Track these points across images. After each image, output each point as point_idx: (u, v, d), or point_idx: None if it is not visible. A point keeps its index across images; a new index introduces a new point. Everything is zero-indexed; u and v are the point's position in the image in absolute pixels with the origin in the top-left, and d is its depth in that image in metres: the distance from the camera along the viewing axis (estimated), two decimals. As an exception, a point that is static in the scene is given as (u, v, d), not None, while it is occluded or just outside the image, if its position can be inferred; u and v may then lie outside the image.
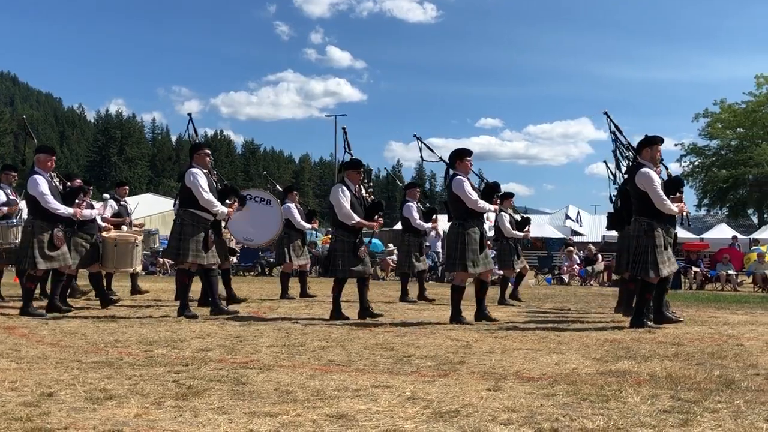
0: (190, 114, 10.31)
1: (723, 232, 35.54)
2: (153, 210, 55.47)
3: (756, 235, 35.20)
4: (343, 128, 10.64)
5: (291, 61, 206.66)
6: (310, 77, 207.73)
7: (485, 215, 10.54)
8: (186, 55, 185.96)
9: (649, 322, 8.48)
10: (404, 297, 13.04)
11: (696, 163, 57.47)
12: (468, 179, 9.13)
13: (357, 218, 9.33)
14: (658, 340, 7.38)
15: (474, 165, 9.38)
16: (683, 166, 57.69)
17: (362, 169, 9.76)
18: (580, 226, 43.16)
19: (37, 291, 10.78)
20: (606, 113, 9.77)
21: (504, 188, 13.58)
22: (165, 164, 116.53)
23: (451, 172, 9.19)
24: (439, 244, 25.10)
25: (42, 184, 9.25)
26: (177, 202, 9.83)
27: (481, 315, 9.22)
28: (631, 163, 9.21)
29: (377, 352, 6.33)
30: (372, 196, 10.00)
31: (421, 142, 10.16)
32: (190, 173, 9.34)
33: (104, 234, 11.01)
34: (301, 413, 3.94)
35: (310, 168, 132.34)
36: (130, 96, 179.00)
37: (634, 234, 8.59)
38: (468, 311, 9.20)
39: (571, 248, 27.08)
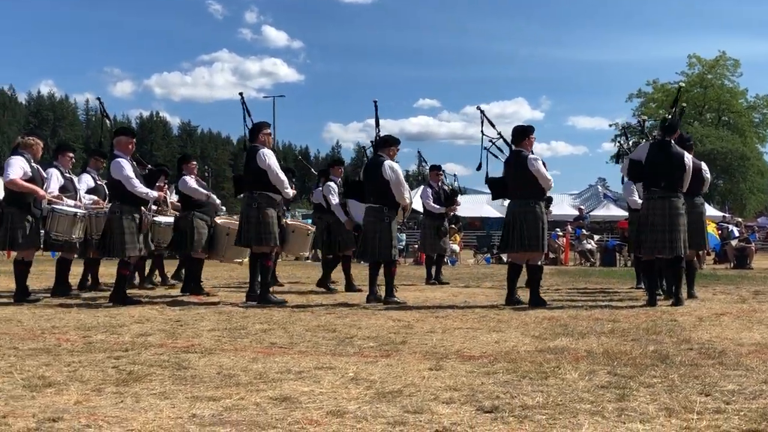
0: (241, 93, 9.69)
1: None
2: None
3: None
4: (374, 102, 10.15)
5: (225, 40, 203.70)
6: (246, 57, 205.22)
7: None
8: (117, 34, 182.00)
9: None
10: (430, 279, 13.09)
11: (630, 143, 58.44)
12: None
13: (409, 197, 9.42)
14: (595, 317, 7.53)
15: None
16: (618, 146, 58.66)
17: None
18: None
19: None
20: (680, 87, 9.81)
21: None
22: (100, 147, 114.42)
23: (514, 148, 9.04)
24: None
25: (127, 168, 8.87)
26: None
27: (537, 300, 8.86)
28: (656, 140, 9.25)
29: (319, 334, 6.34)
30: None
31: (484, 115, 9.90)
32: (262, 154, 9.05)
33: (217, 220, 10.85)
34: (244, 396, 3.93)
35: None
36: (60, 77, 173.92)
37: (684, 211, 8.75)
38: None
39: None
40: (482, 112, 9.69)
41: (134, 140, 9.35)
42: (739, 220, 30.98)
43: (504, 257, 24.88)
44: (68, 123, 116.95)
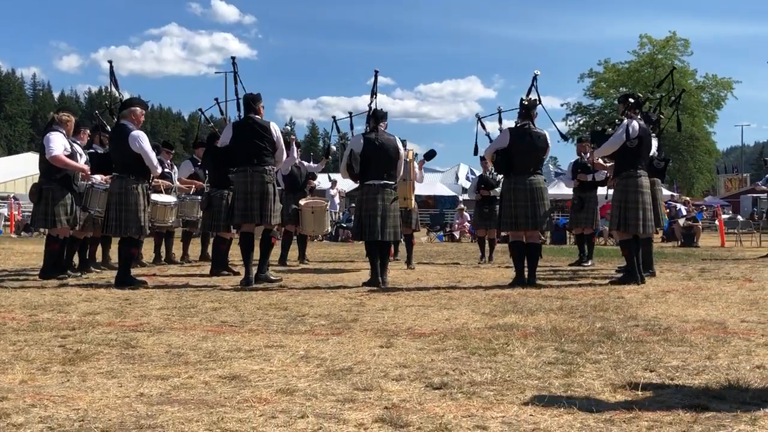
0: (233, 57, 9.52)
1: (604, 188, 36.66)
2: (36, 169, 53.35)
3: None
4: (375, 71, 9.73)
5: (174, 14, 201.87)
6: (196, 32, 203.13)
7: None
8: (62, 7, 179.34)
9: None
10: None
11: (581, 122, 58.83)
12: None
13: None
14: (544, 294, 7.62)
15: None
16: (569, 125, 59.09)
17: None
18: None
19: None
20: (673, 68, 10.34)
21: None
22: (47, 122, 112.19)
23: (521, 123, 8.94)
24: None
25: (148, 141, 8.64)
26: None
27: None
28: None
29: (270, 312, 6.33)
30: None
31: (480, 121, 10.45)
32: (274, 128, 8.85)
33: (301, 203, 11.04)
34: (193, 375, 3.90)
35: (200, 126, 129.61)
36: (5, 50, 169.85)
37: (651, 188, 9.11)
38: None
39: (462, 206, 27.57)
40: (480, 118, 10.43)
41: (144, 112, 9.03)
42: (687, 199, 31.53)
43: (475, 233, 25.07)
44: (14, 97, 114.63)
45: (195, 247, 13.13)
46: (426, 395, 3.51)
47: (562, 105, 60.96)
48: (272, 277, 8.94)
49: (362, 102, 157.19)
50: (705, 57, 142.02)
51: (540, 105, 9.09)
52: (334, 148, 14.70)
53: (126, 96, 9.44)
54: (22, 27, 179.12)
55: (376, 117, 9.10)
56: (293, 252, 12.92)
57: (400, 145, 9.09)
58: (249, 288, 8.33)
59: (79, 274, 9.54)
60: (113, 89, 9.77)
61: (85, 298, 7.25)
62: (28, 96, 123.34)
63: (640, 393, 3.51)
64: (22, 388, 3.62)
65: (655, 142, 9.62)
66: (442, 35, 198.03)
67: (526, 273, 8.66)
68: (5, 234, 25.72)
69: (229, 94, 9.25)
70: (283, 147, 8.97)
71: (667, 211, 22.89)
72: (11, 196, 35.08)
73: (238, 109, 9.08)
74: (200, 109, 11.28)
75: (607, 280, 9.04)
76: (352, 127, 11.19)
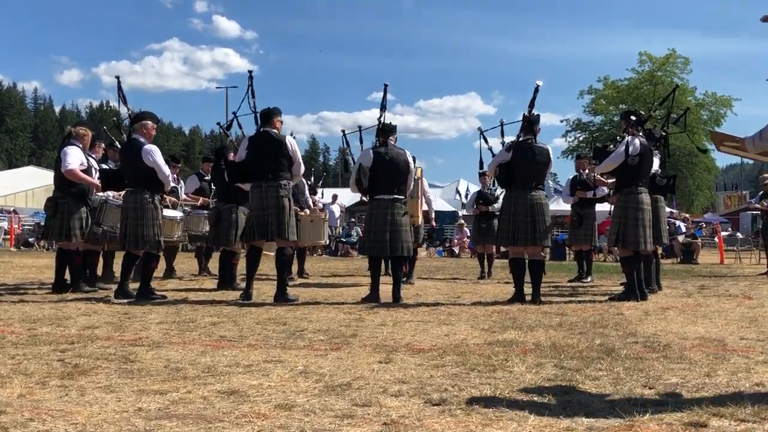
0: (250, 71, 9.35)
1: (605, 204, 36.66)
2: (36, 183, 53.47)
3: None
4: (385, 84, 9.39)
5: (175, 30, 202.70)
6: (197, 47, 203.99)
7: None
8: (64, 22, 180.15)
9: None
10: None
11: (581, 139, 58.86)
12: None
13: None
14: (544, 311, 7.61)
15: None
16: (568, 141, 59.14)
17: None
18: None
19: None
20: (675, 86, 10.40)
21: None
22: (48, 136, 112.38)
23: (524, 137, 8.81)
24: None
25: (160, 154, 8.62)
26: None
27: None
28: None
29: (269, 327, 6.31)
30: None
31: (483, 136, 10.29)
32: (290, 143, 8.67)
33: (300, 213, 11.07)
34: (192, 390, 3.89)
35: (201, 140, 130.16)
36: (7, 64, 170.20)
37: (653, 206, 9.27)
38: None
39: (462, 221, 27.62)
40: (482, 132, 10.21)
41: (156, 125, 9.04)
42: (686, 215, 31.52)
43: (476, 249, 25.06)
44: (16, 111, 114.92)
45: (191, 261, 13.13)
46: (425, 411, 3.50)
47: (561, 121, 61.31)
48: (290, 297, 8.55)
49: (363, 117, 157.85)
50: (704, 74, 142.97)
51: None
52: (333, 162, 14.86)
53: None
54: (23, 41, 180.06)
55: (385, 131, 8.94)
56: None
57: (410, 158, 8.97)
58: (248, 302, 8.31)
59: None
60: (122, 105, 9.60)
61: (84, 312, 7.24)
62: (29, 110, 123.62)
63: (639, 410, 3.50)
64: (20, 402, 3.61)
65: (657, 159, 9.64)
66: (442, 51, 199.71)
67: (527, 289, 8.63)
68: (5, 248, 25.70)
69: (246, 108, 9.15)
70: (300, 161, 8.76)
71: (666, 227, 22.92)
72: (12, 209, 35.11)
73: (256, 123, 8.91)
74: (218, 124, 11.27)
75: (607, 297, 9.03)
76: (361, 141, 11.12)
